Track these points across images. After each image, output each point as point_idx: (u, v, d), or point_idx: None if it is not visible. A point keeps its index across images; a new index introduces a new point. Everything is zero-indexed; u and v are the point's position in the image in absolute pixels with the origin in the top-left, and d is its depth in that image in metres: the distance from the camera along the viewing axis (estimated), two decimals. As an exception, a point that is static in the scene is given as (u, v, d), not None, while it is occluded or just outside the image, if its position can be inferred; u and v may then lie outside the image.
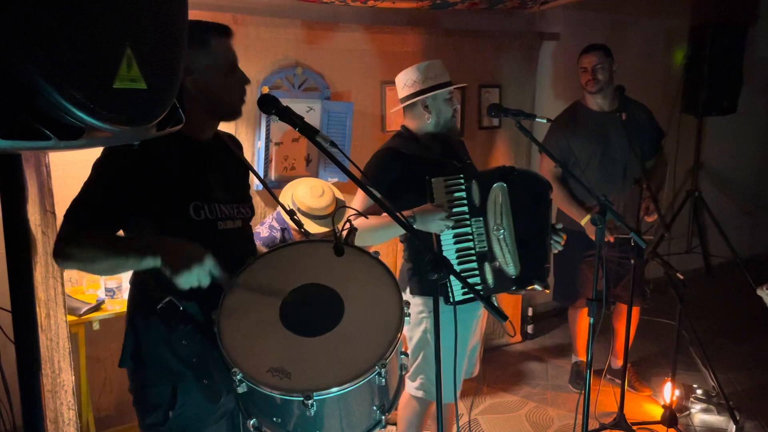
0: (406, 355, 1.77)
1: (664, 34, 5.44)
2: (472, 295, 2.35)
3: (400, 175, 2.49)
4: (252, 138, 3.45)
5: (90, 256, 1.64)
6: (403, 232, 2.43)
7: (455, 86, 2.66)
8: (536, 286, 2.47)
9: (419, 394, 2.62)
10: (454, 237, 2.41)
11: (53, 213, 2.43)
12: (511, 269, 2.45)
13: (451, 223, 2.36)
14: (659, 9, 5.25)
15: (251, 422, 1.64)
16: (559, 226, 2.59)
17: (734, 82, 5.34)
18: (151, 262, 1.59)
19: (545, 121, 2.64)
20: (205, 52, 1.73)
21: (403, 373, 1.76)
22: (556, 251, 2.58)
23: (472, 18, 4.26)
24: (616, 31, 5.08)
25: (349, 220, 1.80)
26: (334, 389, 1.50)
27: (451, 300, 2.19)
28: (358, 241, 2.20)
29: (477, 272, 2.41)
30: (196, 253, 1.60)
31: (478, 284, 2.41)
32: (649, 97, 4.02)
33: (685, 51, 5.41)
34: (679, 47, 5.47)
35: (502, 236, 2.43)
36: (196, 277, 1.59)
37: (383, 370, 1.53)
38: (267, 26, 3.43)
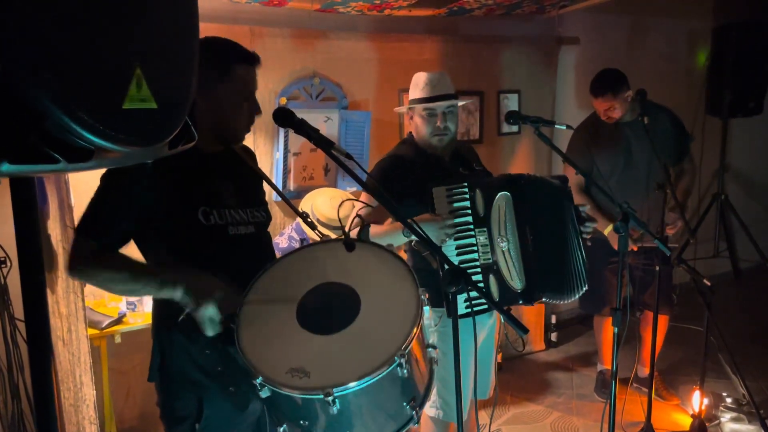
0: (435, 347, 1.73)
1: (686, 35, 5.36)
2: (476, 308, 2.28)
3: (404, 182, 2.42)
4: (270, 149, 3.46)
5: (107, 279, 1.68)
6: (400, 242, 2.37)
7: (421, 103, 2.52)
8: (546, 299, 2.39)
9: (433, 413, 2.53)
10: (457, 248, 2.32)
11: (73, 228, 2.45)
12: (516, 283, 2.35)
13: (451, 231, 2.28)
14: (681, 10, 5.17)
15: (281, 429, 1.63)
16: (585, 207, 2.49)
17: (759, 82, 5.24)
18: (169, 294, 1.62)
19: (564, 127, 2.60)
20: (224, 77, 1.75)
21: (434, 367, 1.73)
22: (588, 238, 2.48)
23: (490, 24, 4.24)
24: (637, 34, 5.02)
25: (359, 216, 1.79)
26: (354, 384, 1.48)
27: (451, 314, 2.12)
28: None
29: (482, 285, 2.31)
30: (215, 287, 1.61)
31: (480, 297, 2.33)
32: (672, 100, 3.95)
33: (708, 52, 5.32)
34: (702, 48, 5.39)
35: (506, 248, 2.34)
36: (215, 310, 1.61)
37: (404, 361, 1.50)
38: (284, 37, 3.44)
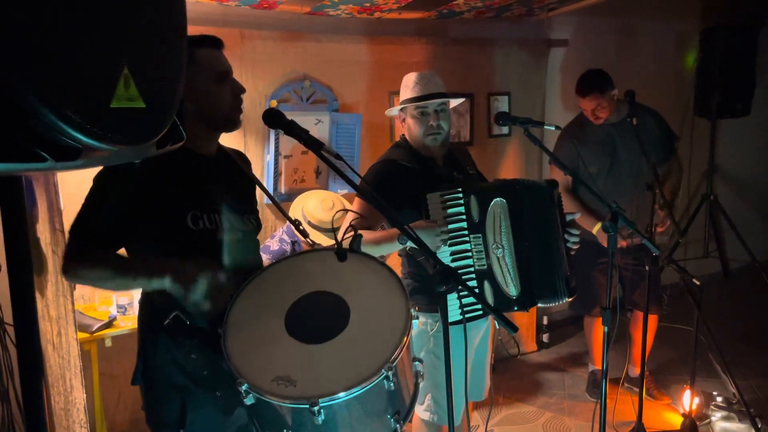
0: (421, 361, 1.73)
1: (675, 37, 5.40)
2: (469, 315, 2.28)
3: (398, 187, 2.40)
4: (261, 151, 3.46)
5: (98, 277, 1.69)
6: (395, 249, 2.37)
7: (411, 102, 2.49)
8: (540, 304, 2.42)
9: (427, 416, 2.54)
10: (452, 254, 2.31)
11: (63, 231, 2.44)
12: (511, 290, 2.36)
13: (446, 237, 2.26)
14: (669, 12, 5.21)
15: None
16: (575, 216, 2.49)
17: (747, 84, 5.28)
18: (159, 284, 1.62)
19: (554, 128, 2.61)
20: (191, 64, 1.71)
21: (419, 380, 1.74)
22: (573, 250, 2.48)
23: (480, 26, 4.25)
24: (626, 36, 5.05)
25: (352, 226, 1.79)
26: (340, 395, 1.48)
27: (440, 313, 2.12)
28: None
29: (476, 291, 2.30)
30: (200, 267, 1.61)
31: (474, 304, 2.30)
32: (661, 101, 3.97)
33: (696, 54, 5.36)
34: (690, 50, 5.43)
35: (501, 255, 2.34)
36: (204, 290, 1.59)
37: (391, 374, 1.50)
38: (274, 40, 3.45)
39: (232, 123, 1.85)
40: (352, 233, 1.78)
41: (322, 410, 1.45)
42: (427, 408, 2.53)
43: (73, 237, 1.69)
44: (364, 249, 2.23)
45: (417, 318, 1.65)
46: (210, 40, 1.81)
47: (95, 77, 0.89)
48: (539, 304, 2.45)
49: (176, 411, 1.77)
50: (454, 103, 2.64)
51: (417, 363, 1.71)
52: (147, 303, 1.84)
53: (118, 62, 0.92)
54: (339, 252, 1.65)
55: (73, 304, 2.52)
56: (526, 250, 2.38)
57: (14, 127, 0.81)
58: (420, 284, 2.51)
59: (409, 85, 2.53)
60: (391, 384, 1.51)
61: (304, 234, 2.05)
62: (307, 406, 1.45)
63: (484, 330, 2.62)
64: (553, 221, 2.44)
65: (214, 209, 1.81)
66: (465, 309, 2.22)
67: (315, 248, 1.95)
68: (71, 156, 0.87)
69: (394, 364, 1.52)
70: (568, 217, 2.49)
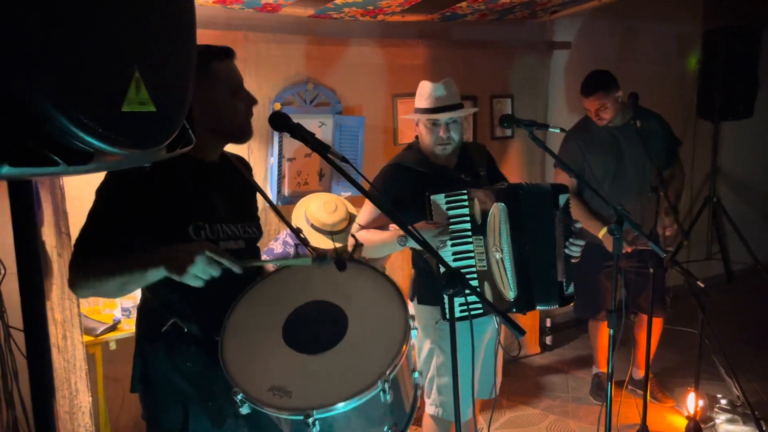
0: (421, 373, 1.73)
1: (677, 39, 5.40)
2: (470, 312, 2.30)
3: (406, 189, 2.45)
4: (265, 154, 3.46)
5: (99, 280, 1.65)
6: (396, 250, 2.41)
7: (424, 114, 2.52)
8: (539, 308, 2.46)
9: (432, 411, 2.55)
10: (454, 255, 2.35)
11: (68, 235, 2.45)
12: (509, 293, 2.38)
13: (446, 239, 2.30)
14: (671, 14, 5.22)
15: None
16: (578, 225, 2.48)
17: (750, 85, 5.27)
18: (156, 273, 1.58)
19: (558, 130, 2.60)
20: (206, 77, 1.71)
21: (419, 392, 1.73)
22: (575, 260, 2.48)
23: (483, 29, 4.26)
24: (628, 38, 5.06)
25: (353, 236, 1.79)
26: (335, 407, 1.47)
27: (448, 316, 2.13)
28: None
29: (477, 291, 2.34)
30: (194, 247, 1.57)
31: (477, 302, 2.31)
32: (663, 103, 3.97)
33: (698, 56, 5.36)
34: (693, 52, 5.43)
35: (499, 258, 2.36)
36: (202, 268, 1.55)
37: (387, 386, 1.49)
38: (278, 43, 3.45)
39: (246, 134, 1.85)
40: (353, 242, 1.78)
41: (317, 422, 1.44)
42: (432, 402, 2.55)
43: (77, 252, 1.67)
44: (366, 249, 2.25)
45: (416, 329, 1.64)
46: (224, 52, 1.80)
47: (107, 82, 0.89)
48: (537, 308, 2.48)
49: (178, 418, 1.76)
50: (466, 112, 2.66)
51: (416, 374, 1.70)
52: (145, 309, 1.83)
53: (129, 67, 0.92)
54: (338, 261, 1.64)
55: (78, 307, 2.52)
56: (525, 254, 2.39)
57: (27, 132, 0.81)
58: (426, 277, 2.54)
59: (423, 95, 2.54)
60: (388, 396, 1.50)
61: (305, 242, 2.04)
62: (302, 417, 1.44)
63: (492, 328, 2.64)
64: (552, 227, 2.44)
65: (216, 218, 1.80)
66: (469, 306, 2.23)
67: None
68: (83, 160, 0.87)
69: (391, 376, 1.50)
70: (574, 225, 2.49)
